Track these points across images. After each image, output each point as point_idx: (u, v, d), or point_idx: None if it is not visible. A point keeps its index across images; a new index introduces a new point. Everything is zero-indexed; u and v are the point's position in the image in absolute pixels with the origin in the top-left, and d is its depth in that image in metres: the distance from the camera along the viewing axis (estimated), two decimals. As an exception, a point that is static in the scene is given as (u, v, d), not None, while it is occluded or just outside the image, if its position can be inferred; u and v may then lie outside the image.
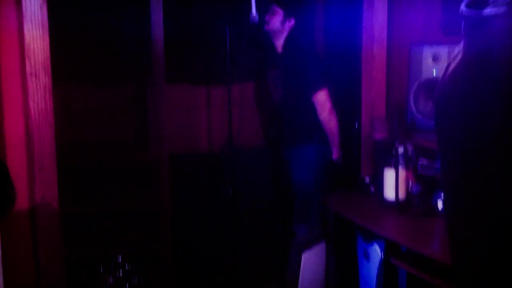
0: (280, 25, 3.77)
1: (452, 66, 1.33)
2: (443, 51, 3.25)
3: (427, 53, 3.31)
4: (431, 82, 3.27)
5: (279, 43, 3.82)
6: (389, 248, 2.85)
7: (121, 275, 1.95)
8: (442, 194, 2.54)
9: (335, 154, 3.77)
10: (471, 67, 1.26)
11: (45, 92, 2.82)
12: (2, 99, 2.82)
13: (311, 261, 3.19)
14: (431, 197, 2.99)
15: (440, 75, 3.12)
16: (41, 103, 2.82)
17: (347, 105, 3.93)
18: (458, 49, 1.33)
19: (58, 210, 2.89)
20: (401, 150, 3.21)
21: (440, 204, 2.91)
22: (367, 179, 3.40)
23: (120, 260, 2.76)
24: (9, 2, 2.78)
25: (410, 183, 3.18)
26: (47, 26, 2.80)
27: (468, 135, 1.26)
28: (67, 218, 3.13)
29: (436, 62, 3.27)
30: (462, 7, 1.29)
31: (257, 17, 3.59)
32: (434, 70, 3.27)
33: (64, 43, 3.37)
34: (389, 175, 3.05)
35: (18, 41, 2.81)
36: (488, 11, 1.20)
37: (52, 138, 2.86)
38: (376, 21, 3.54)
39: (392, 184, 3.02)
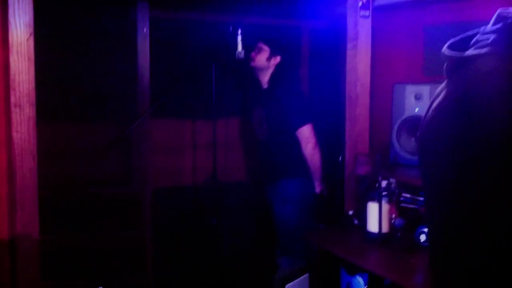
0: (266, 62, 3.84)
1: (435, 104, 1.37)
2: (425, 89, 3.34)
3: (410, 91, 3.40)
4: (414, 119, 3.35)
5: (265, 79, 3.89)
6: (372, 281, 2.86)
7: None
8: (427, 229, 2.56)
9: (318, 188, 3.82)
10: (454, 105, 1.29)
11: (29, 123, 2.82)
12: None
13: (294, 294, 3.19)
14: (414, 230, 3.02)
15: (423, 112, 3.22)
16: (24, 134, 2.82)
17: (331, 141, 3.99)
18: (442, 87, 1.37)
19: (38, 242, 2.86)
20: (384, 184, 3.26)
21: (422, 238, 2.94)
22: (350, 212, 3.42)
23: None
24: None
25: (393, 217, 3.22)
26: (33, 59, 2.82)
27: (453, 172, 1.25)
28: (47, 251, 3.11)
29: (419, 100, 3.35)
30: (444, 48, 1.34)
31: (243, 54, 3.67)
32: (416, 108, 3.35)
33: (48, 77, 3.40)
34: (372, 209, 3.07)
35: (3, 72, 2.82)
36: (470, 52, 1.24)
37: (34, 169, 2.85)
38: (360, 61, 3.62)
39: (375, 218, 3.05)
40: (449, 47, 1.37)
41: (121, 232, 3.63)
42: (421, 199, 3.14)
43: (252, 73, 3.92)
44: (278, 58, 3.86)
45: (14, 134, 2.81)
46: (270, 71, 3.87)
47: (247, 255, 4.26)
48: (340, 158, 3.77)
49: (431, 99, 1.46)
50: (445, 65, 1.38)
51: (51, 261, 3.26)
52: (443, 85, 1.40)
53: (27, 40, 2.81)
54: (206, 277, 3.88)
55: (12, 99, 2.80)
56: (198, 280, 4.00)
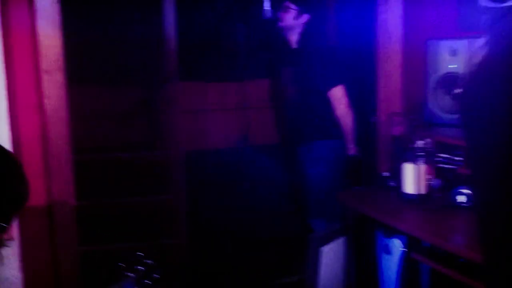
0: (293, 21, 3.74)
1: (476, 60, 1.29)
2: (460, 45, 3.20)
3: (444, 47, 3.27)
4: (449, 77, 3.23)
5: (293, 39, 3.79)
6: (410, 243, 2.81)
7: (141, 269, 1.92)
8: (472, 191, 2.50)
9: (351, 150, 3.75)
10: (498, 59, 1.21)
11: (59, 89, 2.79)
12: (16, 96, 2.80)
13: (330, 256, 3.16)
14: (451, 191, 2.95)
15: (458, 69, 3.11)
16: (55, 100, 2.79)
17: (363, 101, 3.90)
18: (481, 41, 1.29)
19: (74, 206, 2.86)
20: (419, 144, 3.18)
21: (460, 198, 2.87)
22: (385, 174, 3.36)
23: (139, 256, 2.73)
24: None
25: (430, 178, 3.15)
26: (59, 23, 2.77)
27: (502, 131, 1.20)
28: (83, 214, 3.11)
29: (454, 56, 3.23)
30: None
31: (270, 13, 3.57)
32: (451, 65, 3.23)
33: (76, 42, 3.35)
34: (408, 170, 3.01)
35: (31, 38, 2.79)
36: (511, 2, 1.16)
37: (67, 135, 2.83)
38: (391, 16, 3.50)
39: (411, 178, 2.98)
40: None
41: (153, 197, 3.61)
42: (458, 159, 3.06)
43: (280, 33, 3.83)
44: (305, 17, 3.75)
45: (45, 101, 2.79)
46: (298, 30, 3.77)
47: (280, 218, 4.23)
48: (372, 118, 3.68)
49: (470, 55, 1.38)
50: (483, 18, 1.29)
51: (87, 226, 3.27)
52: (482, 39, 1.31)
53: (53, 3, 2.75)
54: (239, 241, 3.87)
55: (41, 64, 2.76)
56: (231, 243, 4.00)
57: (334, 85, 3.67)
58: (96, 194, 3.44)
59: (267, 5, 3.57)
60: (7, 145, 2.64)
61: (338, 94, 3.66)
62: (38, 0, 2.72)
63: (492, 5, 1.23)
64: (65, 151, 2.83)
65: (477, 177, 1.34)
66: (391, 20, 3.52)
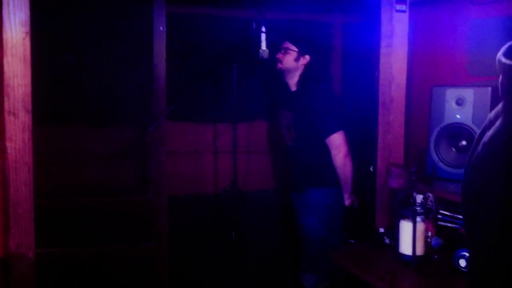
0: (293, 64, 3.56)
1: (489, 134, 1.08)
2: (468, 93, 2.97)
3: (451, 95, 3.04)
4: (455, 127, 3.00)
5: (293, 81, 3.60)
6: (404, 312, 2.54)
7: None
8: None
9: (347, 200, 3.52)
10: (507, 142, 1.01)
11: (24, 132, 2.58)
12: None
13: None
14: (453, 253, 2.68)
15: (464, 121, 2.87)
16: (19, 144, 2.59)
17: (362, 148, 3.67)
18: (497, 111, 1.08)
19: (34, 259, 2.63)
20: (419, 199, 2.93)
21: (462, 263, 2.60)
22: (381, 230, 3.10)
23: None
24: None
25: (430, 236, 2.89)
26: (29, 60, 2.58)
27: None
28: (50, 265, 2.90)
29: (461, 105, 2.99)
30: (500, 55, 1.04)
31: (267, 53, 3.38)
32: (457, 114, 2.99)
33: (50, 79, 3.18)
34: (405, 229, 2.75)
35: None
36: None
37: (30, 183, 2.62)
38: (395, 60, 3.29)
39: (409, 238, 2.72)
40: (506, 55, 1.06)
41: (133, 245, 3.38)
42: (461, 217, 2.80)
43: (279, 75, 3.63)
44: (307, 58, 3.56)
45: (8, 144, 2.58)
46: (298, 72, 3.58)
47: (269, 270, 3.99)
48: (371, 167, 3.44)
49: (482, 127, 1.16)
50: (500, 78, 1.08)
51: (51, 276, 3.04)
52: (498, 108, 1.10)
53: (23, 39, 2.56)
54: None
55: (6, 105, 2.57)
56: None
57: (333, 131, 3.46)
58: (71, 241, 3.22)
59: (263, 46, 3.36)
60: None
61: (337, 142, 3.45)
62: (6, 35, 2.53)
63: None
64: (27, 199, 2.61)
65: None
66: (395, 63, 3.31)
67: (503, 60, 1.07)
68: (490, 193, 1.07)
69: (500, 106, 1.11)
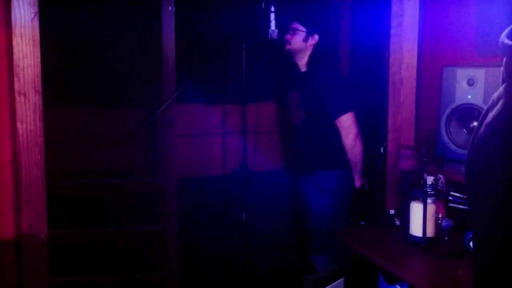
0: (302, 44, 3.52)
1: (492, 114, 1.08)
2: (479, 73, 2.94)
3: (461, 76, 3.01)
4: (466, 108, 2.97)
5: (303, 62, 3.57)
6: (413, 293, 2.54)
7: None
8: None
9: (358, 182, 3.50)
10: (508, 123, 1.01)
11: (35, 112, 2.59)
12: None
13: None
14: (463, 234, 2.67)
15: (475, 101, 2.85)
16: (30, 124, 2.59)
17: (372, 129, 3.65)
18: (499, 92, 1.08)
19: (46, 240, 2.64)
20: (430, 181, 2.92)
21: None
22: (391, 212, 3.09)
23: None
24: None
25: (440, 217, 2.88)
26: (38, 41, 2.57)
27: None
28: (59, 245, 2.90)
29: (472, 86, 2.96)
30: (503, 36, 1.04)
31: (276, 33, 3.34)
32: (468, 95, 2.96)
33: (60, 59, 3.16)
34: (416, 210, 2.74)
35: (6, 57, 2.59)
36: None
37: (41, 163, 2.63)
38: (406, 40, 3.27)
39: (419, 220, 2.71)
40: (510, 36, 1.06)
41: (142, 226, 3.39)
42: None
43: (287, 56, 3.60)
44: (316, 37, 3.52)
45: (19, 125, 2.58)
46: (308, 52, 3.55)
47: (279, 253, 3.99)
48: (382, 149, 3.42)
49: (485, 108, 1.15)
50: (504, 59, 1.07)
51: (63, 256, 3.06)
52: (500, 89, 1.10)
53: (32, 20, 2.55)
54: (233, 275, 3.63)
55: (16, 86, 2.57)
56: (225, 278, 3.76)
57: (343, 112, 3.43)
58: (79, 223, 3.23)
59: (273, 26, 3.33)
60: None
61: (347, 123, 3.42)
62: (15, 16, 2.52)
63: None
64: (38, 179, 2.62)
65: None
66: (405, 43, 3.28)
67: (506, 41, 1.08)
68: (491, 173, 1.09)
69: (502, 87, 1.11)
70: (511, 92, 1.07)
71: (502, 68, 1.12)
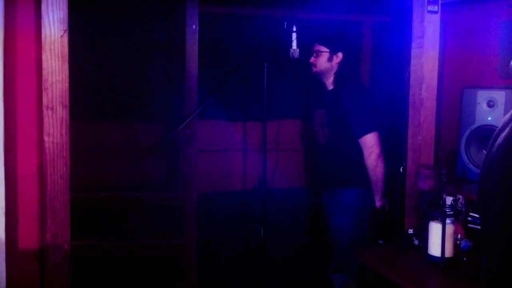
0: (328, 64, 3.56)
1: (503, 135, 1.11)
2: (499, 95, 2.96)
3: (482, 97, 3.03)
4: (486, 129, 2.99)
5: (330, 81, 3.61)
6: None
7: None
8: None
9: (378, 202, 3.51)
10: None
11: (62, 126, 2.65)
12: (16, 131, 2.68)
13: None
14: (482, 255, 2.68)
15: (495, 122, 2.87)
16: (57, 138, 2.66)
17: (392, 149, 3.66)
18: (510, 115, 1.12)
19: (69, 251, 2.69)
20: (449, 201, 2.93)
21: (492, 266, 2.60)
22: (410, 231, 3.10)
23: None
24: (27, 31, 2.66)
25: (459, 238, 2.89)
26: (67, 57, 2.65)
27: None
28: (80, 258, 2.95)
29: (492, 107, 2.98)
30: None
31: (297, 52, 3.37)
32: (489, 116, 2.98)
33: (86, 75, 3.23)
34: (434, 230, 2.75)
35: (36, 72, 2.67)
36: None
37: (66, 176, 2.69)
38: (426, 61, 3.28)
39: (438, 240, 2.73)
40: None
41: (163, 240, 3.43)
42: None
43: (316, 77, 3.64)
44: (340, 55, 3.55)
45: (46, 138, 2.65)
46: (333, 71, 3.58)
47: (296, 269, 4.00)
48: (401, 168, 3.43)
49: (498, 129, 1.18)
50: None
51: (84, 268, 3.11)
52: (511, 112, 1.13)
53: (61, 37, 2.63)
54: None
55: (44, 100, 2.64)
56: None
57: (367, 131, 3.44)
58: (99, 236, 3.28)
59: (294, 45, 3.37)
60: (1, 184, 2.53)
61: (370, 142, 3.44)
62: (45, 33, 2.60)
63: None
64: (63, 191, 2.68)
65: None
66: (426, 64, 3.30)
67: None
68: (502, 192, 1.11)
69: None
70: None
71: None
